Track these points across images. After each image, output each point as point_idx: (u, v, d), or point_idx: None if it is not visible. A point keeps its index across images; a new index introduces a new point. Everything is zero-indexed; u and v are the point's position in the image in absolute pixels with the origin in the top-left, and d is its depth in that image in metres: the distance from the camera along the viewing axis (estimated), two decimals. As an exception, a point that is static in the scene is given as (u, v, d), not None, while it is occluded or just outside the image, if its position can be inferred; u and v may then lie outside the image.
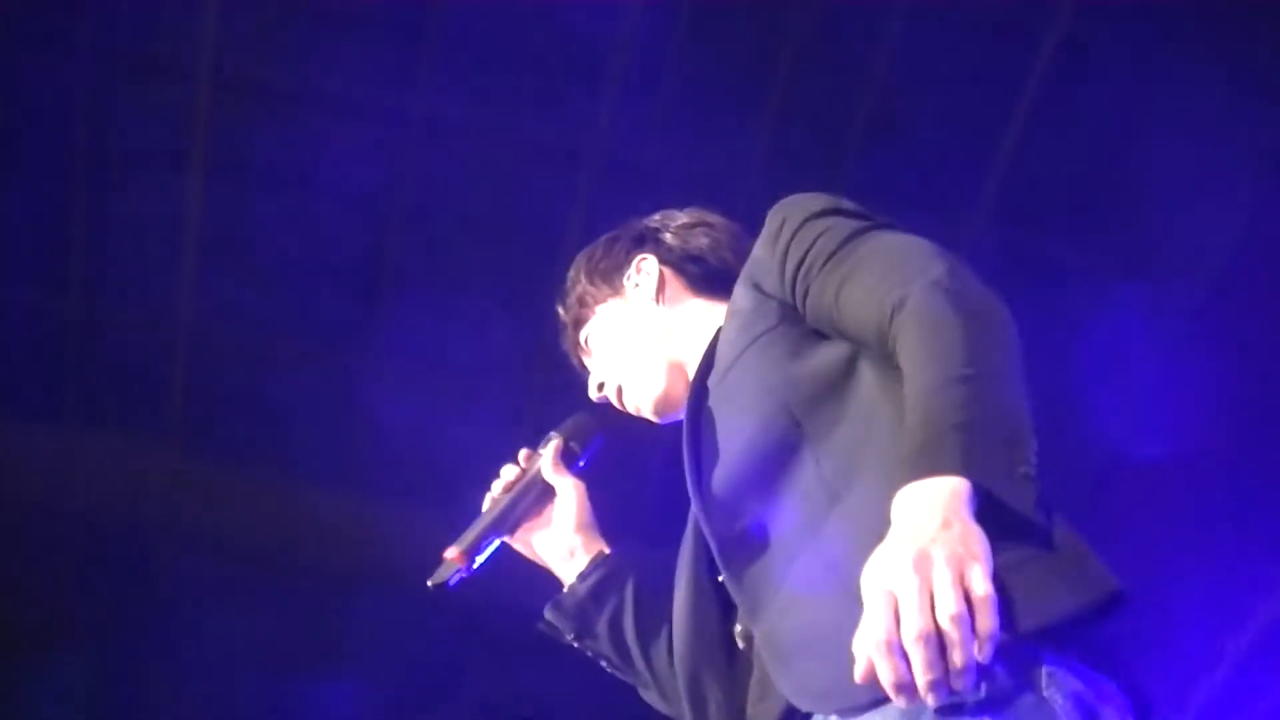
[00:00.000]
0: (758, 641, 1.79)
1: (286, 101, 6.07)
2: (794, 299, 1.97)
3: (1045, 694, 1.56)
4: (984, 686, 1.51)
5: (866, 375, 1.86)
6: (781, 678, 1.71)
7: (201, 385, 6.89)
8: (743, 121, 5.93)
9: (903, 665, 1.45)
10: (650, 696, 2.29)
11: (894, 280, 1.80)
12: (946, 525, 1.50)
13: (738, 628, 1.99)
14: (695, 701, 2.01)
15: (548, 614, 2.31)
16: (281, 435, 7.12)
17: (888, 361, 1.82)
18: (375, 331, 6.69)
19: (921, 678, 1.44)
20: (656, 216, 2.42)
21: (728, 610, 2.01)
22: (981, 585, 1.46)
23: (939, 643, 1.44)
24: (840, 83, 5.82)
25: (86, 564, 7.14)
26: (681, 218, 2.40)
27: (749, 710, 1.90)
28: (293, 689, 7.37)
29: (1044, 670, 1.57)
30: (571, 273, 2.44)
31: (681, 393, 2.26)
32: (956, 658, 1.44)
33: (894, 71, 5.80)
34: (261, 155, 6.18)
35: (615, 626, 2.26)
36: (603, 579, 2.28)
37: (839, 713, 1.63)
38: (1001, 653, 1.50)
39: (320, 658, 7.61)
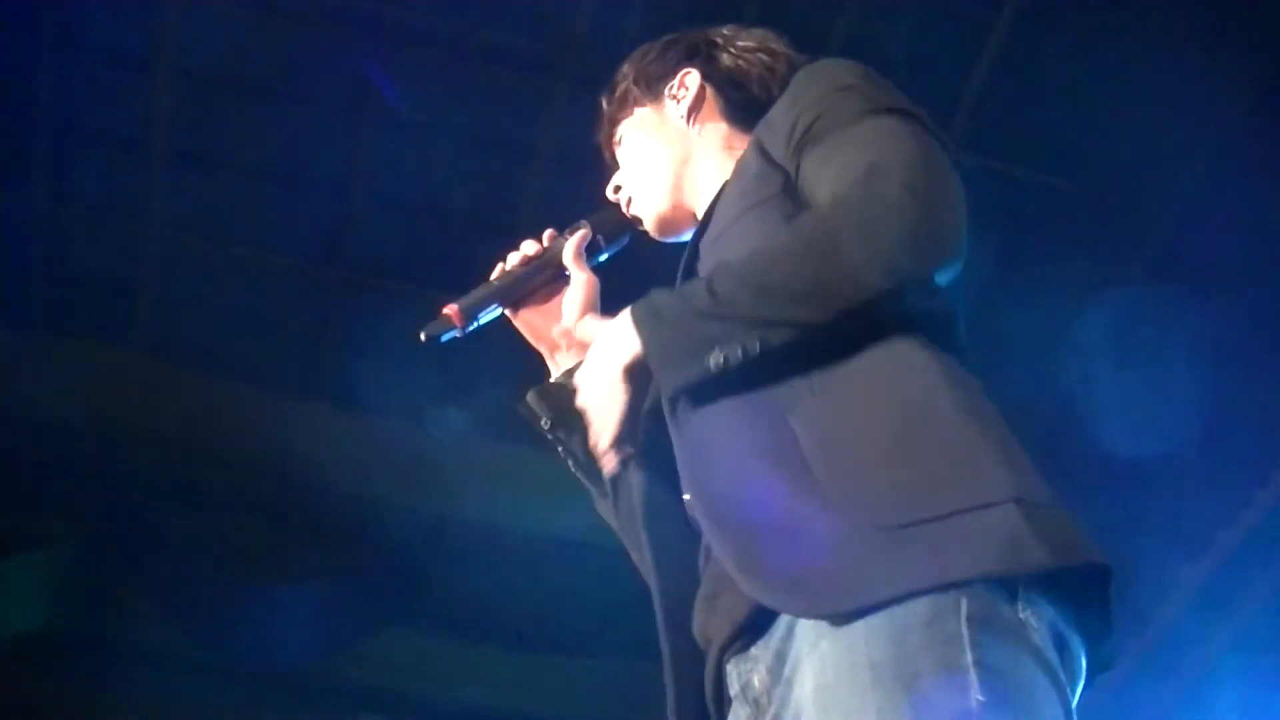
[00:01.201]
0: (689, 494, 1.79)
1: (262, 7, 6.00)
2: (790, 169, 1.95)
3: (1021, 615, 1.59)
4: (964, 603, 1.55)
5: None
6: (718, 536, 1.69)
7: (169, 292, 6.87)
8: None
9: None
10: (603, 508, 2.20)
11: (852, 177, 1.79)
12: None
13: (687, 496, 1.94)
14: (659, 559, 1.96)
15: (529, 397, 2.22)
16: (249, 343, 7.12)
17: None
18: (345, 240, 6.69)
19: None
20: (726, 29, 2.35)
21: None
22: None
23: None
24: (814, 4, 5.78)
25: (52, 470, 7.14)
26: (746, 39, 2.33)
27: (711, 606, 1.86)
28: (258, 592, 7.40)
29: (1021, 592, 1.60)
30: (624, 67, 2.38)
31: (683, 216, 2.26)
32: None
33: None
34: (231, 62, 6.12)
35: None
36: None
37: (786, 610, 1.65)
38: (983, 575, 1.55)
39: (284, 562, 7.65)
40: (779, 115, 2.01)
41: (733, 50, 2.31)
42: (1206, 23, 5.42)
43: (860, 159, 1.82)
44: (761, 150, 2.01)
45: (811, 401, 1.71)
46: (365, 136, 6.33)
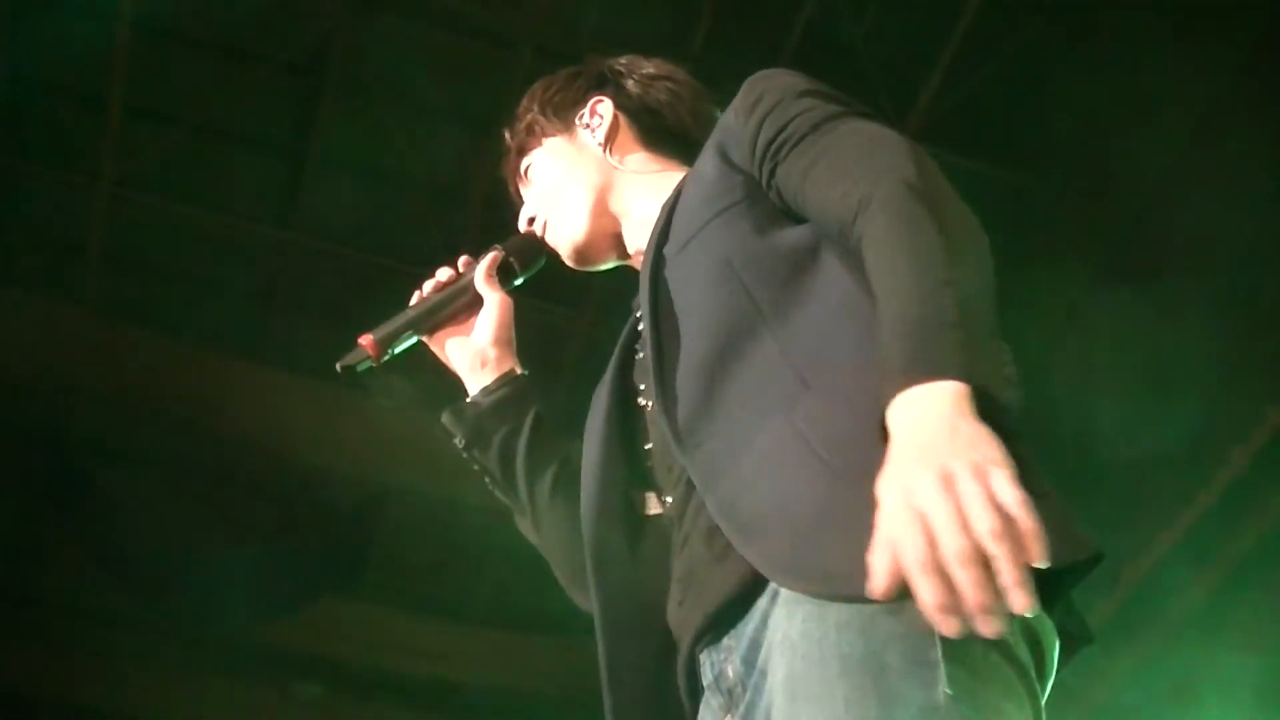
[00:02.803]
0: (712, 510, 1.73)
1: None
2: (760, 175, 1.93)
3: None
4: None
5: (833, 261, 1.81)
6: (748, 546, 1.67)
7: (119, 249, 6.82)
8: (677, 23, 5.89)
9: (946, 587, 1.38)
10: (524, 525, 2.24)
11: (862, 172, 1.76)
12: (955, 432, 1.45)
13: (656, 498, 1.96)
14: (600, 563, 1.96)
15: (444, 418, 2.25)
16: (197, 303, 7.08)
17: (854, 251, 1.77)
18: (298, 204, 6.65)
19: (972, 599, 1.37)
20: (623, 59, 2.35)
21: (634, 476, 1.99)
22: (1009, 492, 1.40)
23: (985, 563, 1.37)
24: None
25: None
26: (648, 67, 2.33)
27: (683, 597, 1.85)
28: (198, 554, 7.38)
29: None
30: (526, 99, 2.36)
31: (604, 244, 2.25)
32: (1007, 575, 1.36)
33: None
34: (191, 20, 6.07)
35: (507, 446, 2.20)
36: (507, 397, 2.23)
37: (809, 593, 1.60)
38: None
39: (226, 525, 7.63)
40: (736, 121, 1.99)
41: (637, 78, 2.32)
42: (1180, 4, 5.41)
43: (860, 159, 1.80)
44: (721, 155, 2.00)
45: (808, 395, 1.70)
46: (323, 100, 6.29)
